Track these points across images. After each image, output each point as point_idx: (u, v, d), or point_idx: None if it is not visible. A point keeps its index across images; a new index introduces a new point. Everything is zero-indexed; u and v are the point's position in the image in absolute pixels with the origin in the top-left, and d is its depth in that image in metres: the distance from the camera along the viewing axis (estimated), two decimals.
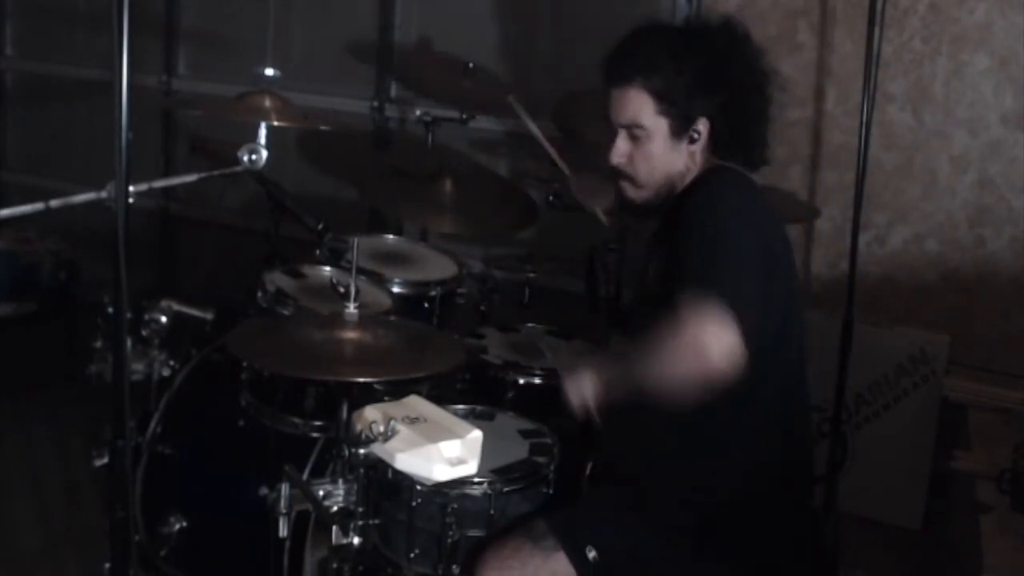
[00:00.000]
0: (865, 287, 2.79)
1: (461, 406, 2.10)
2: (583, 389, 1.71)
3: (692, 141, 1.75)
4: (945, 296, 2.94)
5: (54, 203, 1.50)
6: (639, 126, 1.75)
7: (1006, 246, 2.86)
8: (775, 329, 1.67)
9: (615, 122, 1.78)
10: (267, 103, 2.29)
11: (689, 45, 1.75)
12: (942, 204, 2.93)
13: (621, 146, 1.78)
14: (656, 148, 1.75)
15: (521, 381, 2.28)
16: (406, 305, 2.35)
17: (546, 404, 2.24)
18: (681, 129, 1.74)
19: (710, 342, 1.49)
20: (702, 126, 1.74)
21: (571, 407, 1.72)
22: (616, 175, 1.83)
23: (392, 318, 2.14)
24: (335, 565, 1.71)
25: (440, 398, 1.82)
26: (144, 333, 2.19)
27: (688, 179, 1.79)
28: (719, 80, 1.73)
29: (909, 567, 2.78)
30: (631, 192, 1.82)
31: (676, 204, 1.78)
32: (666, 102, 1.73)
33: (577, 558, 1.67)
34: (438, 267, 2.60)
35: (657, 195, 1.80)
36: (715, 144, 1.77)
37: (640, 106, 1.74)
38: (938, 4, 2.86)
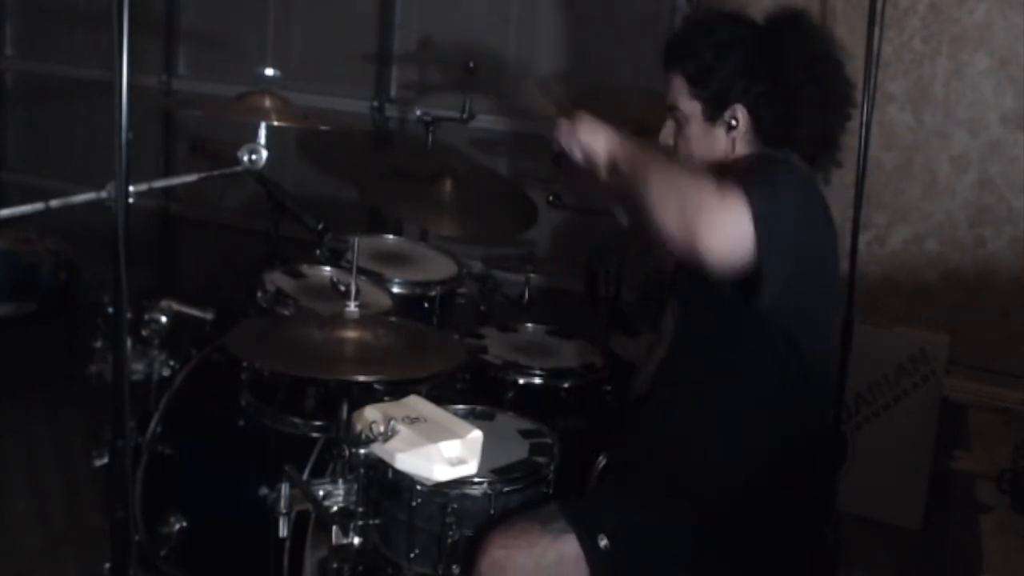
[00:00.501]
0: (865, 287, 2.79)
1: (461, 406, 2.10)
2: (596, 137, 1.73)
3: (730, 128, 1.76)
4: (945, 296, 2.94)
5: (54, 203, 1.50)
6: (677, 108, 1.80)
7: (1006, 246, 2.86)
8: (812, 337, 1.70)
9: (666, 106, 1.84)
10: (267, 103, 2.28)
11: (733, 33, 1.77)
12: (942, 204, 2.93)
13: (666, 128, 1.84)
14: (693, 131, 1.79)
15: (521, 381, 2.28)
16: (406, 305, 2.35)
17: (547, 404, 2.25)
18: (714, 113, 1.76)
19: (723, 216, 1.51)
20: (739, 113, 1.75)
21: (566, 147, 1.76)
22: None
23: (392, 318, 2.14)
24: (335, 565, 1.71)
25: (440, 398, 1.81)
26: (144, 333, 2.18)
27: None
28: (760, 68, 1.73)
29: (909, 567, 2.78)
30: None
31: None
32: (699, 86, 1.76)
33: (588, 543, 1.67)
34: (438, 267, 2.60)
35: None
36: (765, 137, 1.77)
37: (678, 90, 1.79)
38: (938, 4, 2.86)
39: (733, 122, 1.76)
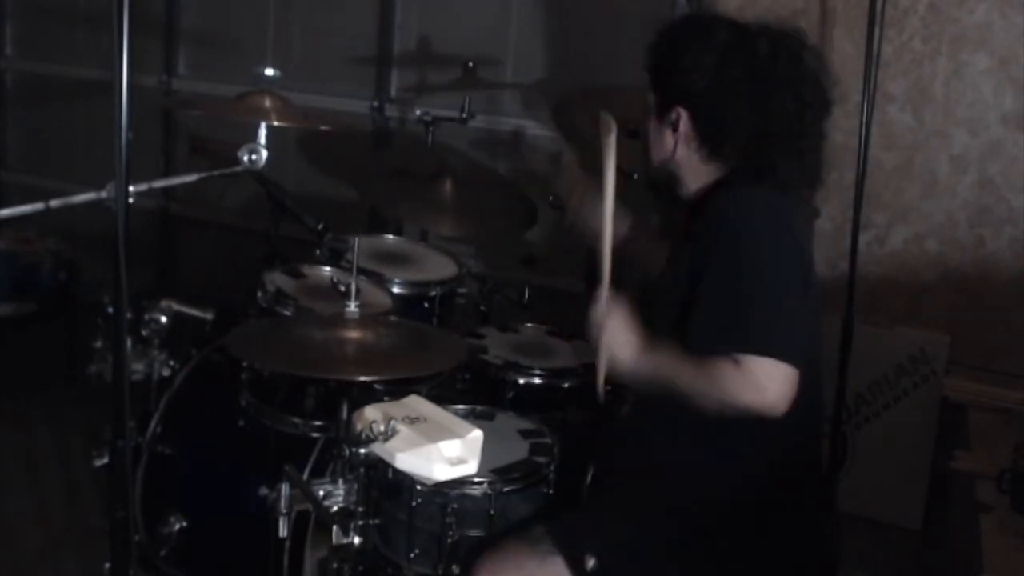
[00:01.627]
0: (865, 287, 2.79)
1: (461, 406, 2.10)
2: (623, 344, 1.70)
3: (675, 130, 1.75)
4: (945, 296, 2.94)
5: (54, 203, 1.50)
6: (646, 100, 1.82)
7: (1006, 246, 2.86)
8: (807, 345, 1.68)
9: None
10: (267, 103, 2.28)
11: (699, 36, 1.74)
12: (942, 204, 2.93)
13: (644, 119, 1.85)
14: (650, 126, 1.82)
15: (521, 381, 2.28)
16: (406, 305, 2.35)
17: (547, 404, 2.25)
18: (661, 110, 1.78)
19: (768, 394, 1.54)
20: (681, 116, 1.73)
21: (595, 344, 1.72)
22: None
23: (392, 318, 2.14)
24: (335, 565, 1.71)
25: (440, 398, 1.81)
26: (144, 333, 2.18)
27: (691, 181, 1.77)
28: (707, 74, 1.69)
29: (909, 567, 2.78)
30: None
31: (692, 213, 1.77)
32: (653, 81, 1.80)
33: (575, 565, 1.66)
34: (438, 267, 2.60)
35: (659, 175, 1.82)
36: (707, 147, 1.73)
37: (647, 83, 1.82)
38: (938, 4, 2.86)
39: (677, 124, 1.75)
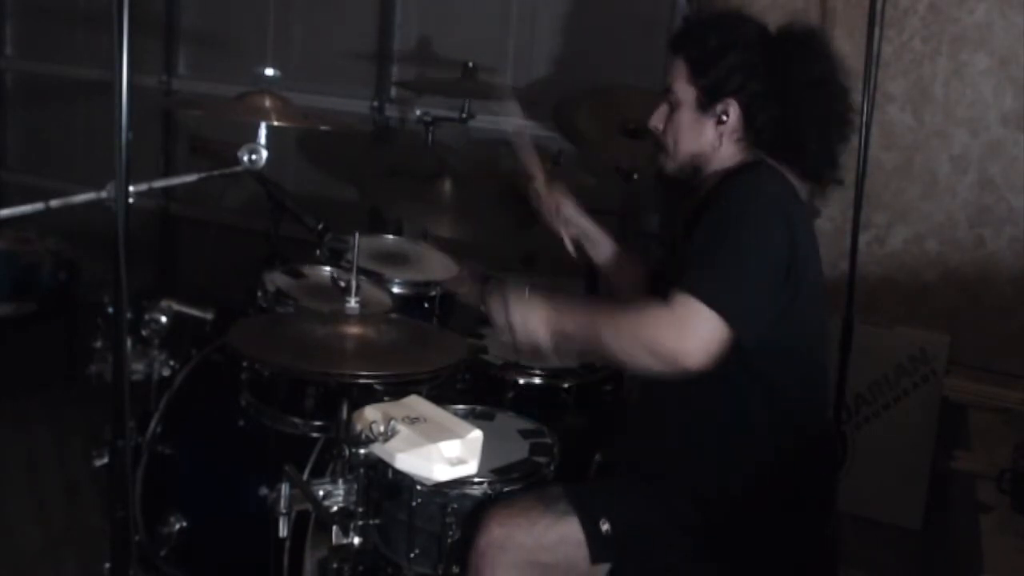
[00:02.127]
0: (865, 287, 2.79)
1: (461, 406, 2.10)
2: (532, 327, 1.71)
3: (720, 122, 1.77)
4: (945, 296, 2.94)
5: (54, 203, 1.50)
6: (673, 92, 1.80)
7: (1006, 246, 2.86)
8: (797, 340, 1.69)
9: (664, 88, 1.85)
10: (267, 103, 2.28)
11: (742, 32, 1.78)
12: (942, 204, 2.93)
13: (659, 110, 1.84)
14: (684, 118, 1.80)
15: (521, 381, 2.28)
16: (406, 305, 2.35)
17: (547, 404, 2.25)
18: (707, 103, 1.77)
19: (688, 334, 1.55)
20: (731, 109, 1.76)
21: (500, 326, 1.74)
22: (655, 141, 1.88)
23: (392, 315, 2.14)
24: (335, 565, 1.71)
25: (440, 398, 1.82)
26: (144, 333, 2.18)
27: (716, 165, 1.80)
28: (759, 70, 1.74)
29: (909, 567, 2.78)
30: (662, 159, 1.87)
31: (707, 195, 1.79)
32: (699, 73, 1.77)
33: (590, 527, 1.66)
34: (438, 267, 2.60)
35: (682, 169, 1.83)
36: (752, 138, 1.77)
37: (678, 73, 1.80)
38: (938, 4, 2.86)
39: (724, 116, 1.76)
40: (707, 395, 1.69)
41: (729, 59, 1.74)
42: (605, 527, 1.66)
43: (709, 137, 1.78)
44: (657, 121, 1.84)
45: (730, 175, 1.78)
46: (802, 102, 1.73)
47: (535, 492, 1.75)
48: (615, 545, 1.67)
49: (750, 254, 1.62)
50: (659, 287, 1.73)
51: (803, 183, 1.81)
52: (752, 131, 1.76)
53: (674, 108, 1.81)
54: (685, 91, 1.79)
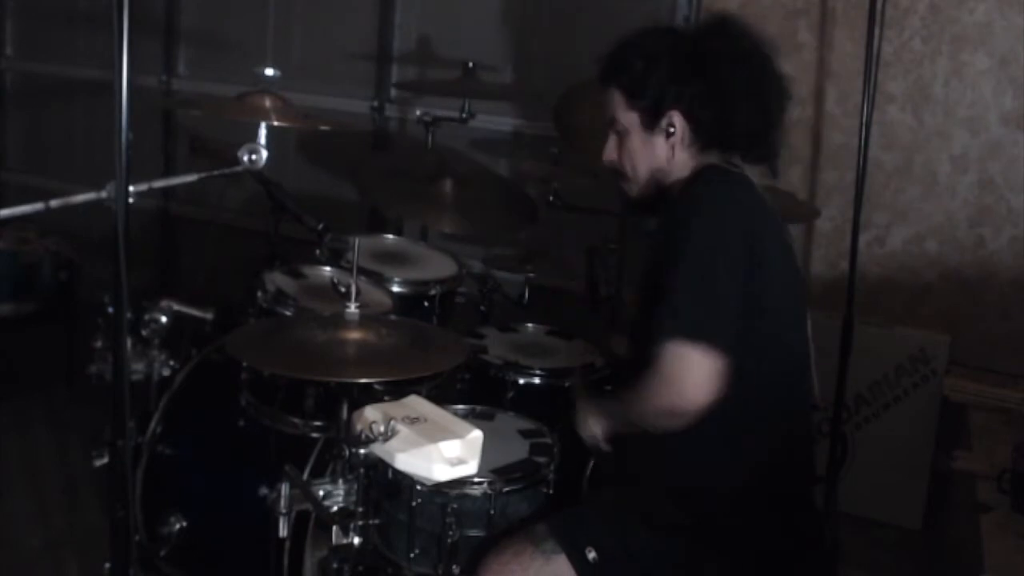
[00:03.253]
0: (865, 287, 2.79)
1: (461, 406, 2.10)
2: (592, 430, 1.88)
3: (668, 135, 1.79)
4: (945, 296, 2.94)
5: (54, 203, 1.50)
6: (616, 121, 1.84)
7: (1006, 246, 2.86)
8: (768, 330, 1.69)
9: (604, 122, 1.88)
10: (267, 103, 2.28)
11: (662, 44, 1.81)
12: (942, 204, 2.93)
13: (609, 143, 1.87)
14: (634, 143, 1.83)
15: (521, 381, 2.28)
16: (406, 305, 2.35)
17: (547, 404, 2.25)
18: (651, 122, 1.80)
19: (684, 385, 1.59)
20: (675, 119, 1.78)
21: (588, 445, 1.90)
22: (614, 173, 1.90)
23: (392, 317, 2.14)
24: (335, 565, 1.71)
25: (440, 398, 1.81)
26: (144, 333, 2.18)
27: (675, 175, 1.81)
28: (691, 72, 1.76)
29: (909, 567, 2.78)
30: (625, 186, 1.89)
31: (669, 205, 1.81)
32: (635, 97, 1.80)
33: (577, 559, 1.67)
34: (438, 267, 2.60)
35: (647, 189, 1.85)
36: (703, 139, 1.79)
37: (616, 103, 1.83)
38: (938, 4, 2.86)
39: (671, 129, 1.78)
40: None
41: (658, 75, 1.77)
42: (592, 555, 1.68)
43: (662, 152, 1.81)
44: (610, 153, 1.87)
45: (683, 187, 1.80)
46: (732, 85, 1.76)
47: (524, 532, 1.75)
48: (603, 571, 1.68)
49: (707, 267, 1.63)
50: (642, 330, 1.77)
51: (754, 166, 1.84)
52: (702, 132, 1.78)
53: (622, 136, 1.84)
54: (628, 117, 1.82)
